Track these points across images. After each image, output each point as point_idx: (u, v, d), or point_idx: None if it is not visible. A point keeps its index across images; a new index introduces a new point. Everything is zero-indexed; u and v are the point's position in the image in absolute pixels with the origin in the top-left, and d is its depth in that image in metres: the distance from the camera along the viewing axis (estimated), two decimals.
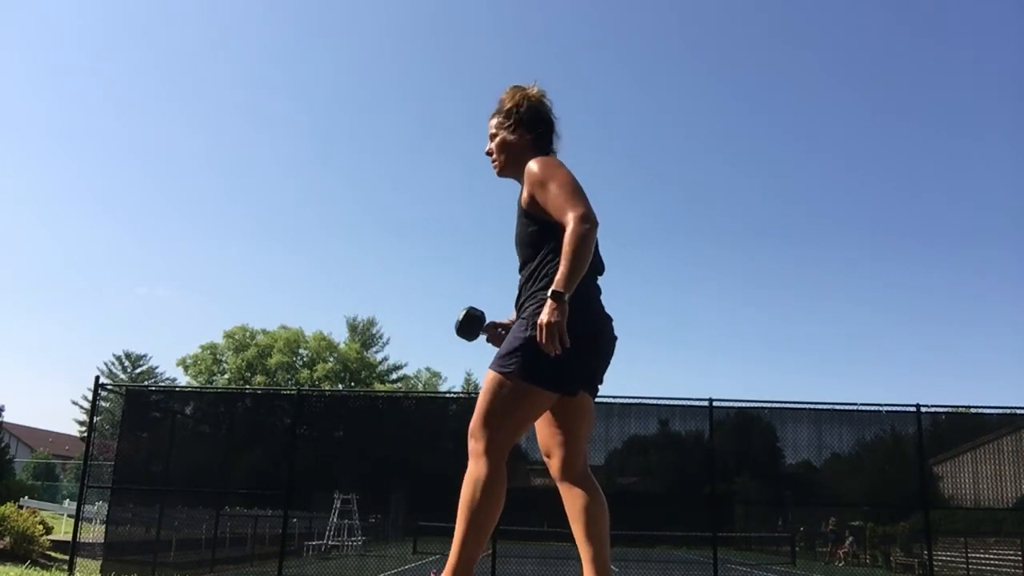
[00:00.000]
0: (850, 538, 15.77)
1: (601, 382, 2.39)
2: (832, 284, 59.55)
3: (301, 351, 44.97)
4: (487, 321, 2.55)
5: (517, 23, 62.50)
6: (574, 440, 2.35)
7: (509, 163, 2.48)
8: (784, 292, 59.68)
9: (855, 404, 10.48)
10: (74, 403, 45.98)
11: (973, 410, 11.60)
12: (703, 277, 61.80)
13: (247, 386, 36.64)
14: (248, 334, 44.37)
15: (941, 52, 56.07)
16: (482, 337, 2.57)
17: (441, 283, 64.80)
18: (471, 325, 2.53)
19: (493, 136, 2.51)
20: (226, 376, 42.70)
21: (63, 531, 15.07)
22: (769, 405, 11.02)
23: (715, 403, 10.30)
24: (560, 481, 2.34)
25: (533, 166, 2.30)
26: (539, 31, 62.05)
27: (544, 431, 2.39)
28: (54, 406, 78.73)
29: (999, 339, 57.81)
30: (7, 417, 21.49)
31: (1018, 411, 10.74)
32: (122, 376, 45.51)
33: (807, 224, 60.98)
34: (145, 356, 47.25)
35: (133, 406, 12.19)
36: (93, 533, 13.19)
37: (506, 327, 2.50)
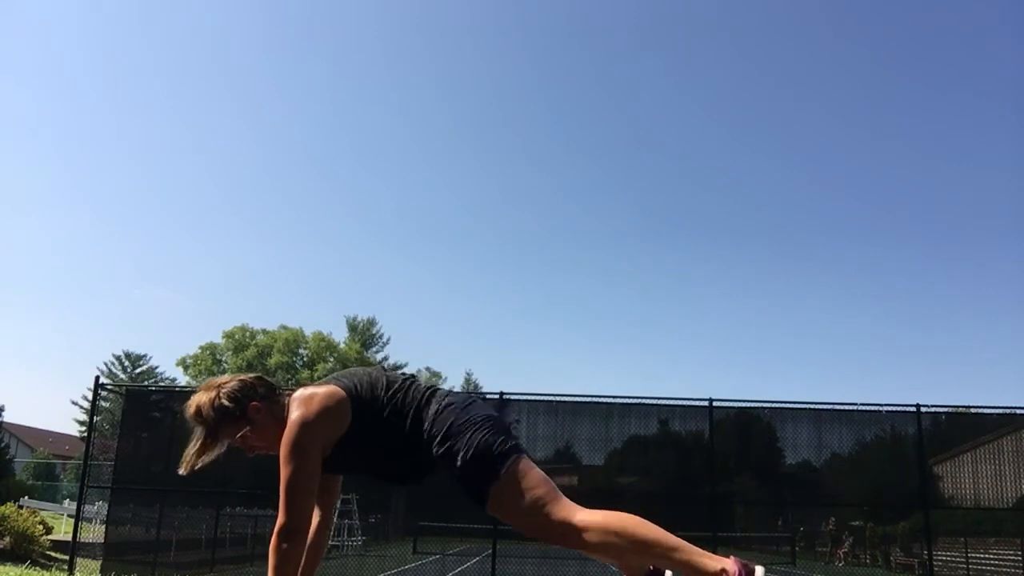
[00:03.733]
0: (850, 538, 15.76)
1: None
2: (832, 284, 59.62)
3: (301, 351, 44.93)
4: None
5: (516, 25, 62.54)
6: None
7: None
8: (784, 292, 59.74)
9: (855, 404, 10.48)
10: (74, 403, 45.89)
11: (973, 410, 11.59)
12: (703, 277, 61.85)
13: None
14: (248, 334, 44.33)
15: (939, 51, 56.12)
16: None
17: (441, 283, 64.87)
18: None
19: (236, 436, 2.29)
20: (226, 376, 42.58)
21: (63, 531, 15.06)
22: (769, 405, 11.04)
23: (715, 403, 10.30)
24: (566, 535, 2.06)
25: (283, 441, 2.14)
26: (537, 32, 62.10)
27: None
28: (54, 406, 78.67)
29: (999, 339, 57.83)
30: (7, 417, 21.51)
31: (1018, 411, 10.74)
32: (122, 376, 45.42)
33: (807, 224, 61.07)
34: (145, 356, 47.18)
35: (133, 406, 12.19)
36: (93, 533, 13.20)
37: None
